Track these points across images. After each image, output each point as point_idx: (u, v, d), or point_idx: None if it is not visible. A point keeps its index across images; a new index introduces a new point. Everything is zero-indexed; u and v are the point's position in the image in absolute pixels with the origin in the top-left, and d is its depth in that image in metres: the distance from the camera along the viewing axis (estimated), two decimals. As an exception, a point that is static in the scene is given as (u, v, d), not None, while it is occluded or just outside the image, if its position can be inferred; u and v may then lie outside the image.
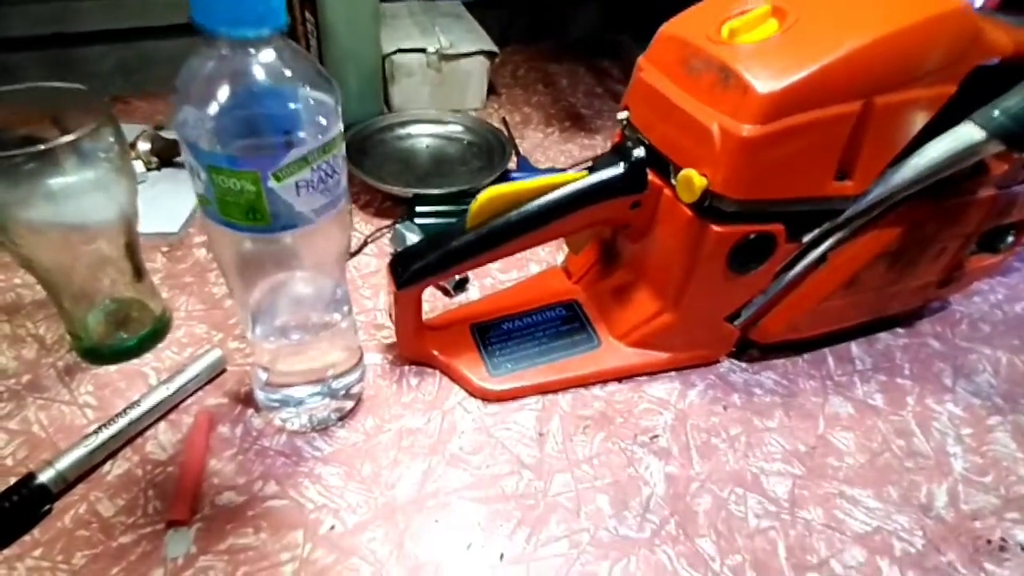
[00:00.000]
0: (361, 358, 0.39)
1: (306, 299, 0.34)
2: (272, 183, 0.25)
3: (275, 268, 0.31)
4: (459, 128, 0.66)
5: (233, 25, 0.23)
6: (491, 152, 0.62)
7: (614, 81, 0.86)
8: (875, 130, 0.32)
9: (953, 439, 0.40)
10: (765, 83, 0.30)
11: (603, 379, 0.41)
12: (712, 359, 0.43)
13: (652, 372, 0.42)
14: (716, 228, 0.34)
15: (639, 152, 0.36)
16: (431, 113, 0.67)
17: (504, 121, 0.73)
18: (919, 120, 0.33)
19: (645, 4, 0.95)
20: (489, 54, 0.72)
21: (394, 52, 0.68)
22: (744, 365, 0.44)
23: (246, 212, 0.25)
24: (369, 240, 0.53)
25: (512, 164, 0.63)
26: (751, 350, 0.44)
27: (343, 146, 0.28)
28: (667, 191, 0.36)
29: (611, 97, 0.82)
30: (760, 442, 0.39)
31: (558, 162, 0.67)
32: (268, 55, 0.24)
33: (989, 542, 0.34)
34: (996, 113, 0.31)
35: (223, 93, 0.24)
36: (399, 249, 0.50)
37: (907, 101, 0.32)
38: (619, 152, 0.37)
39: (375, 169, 0.59)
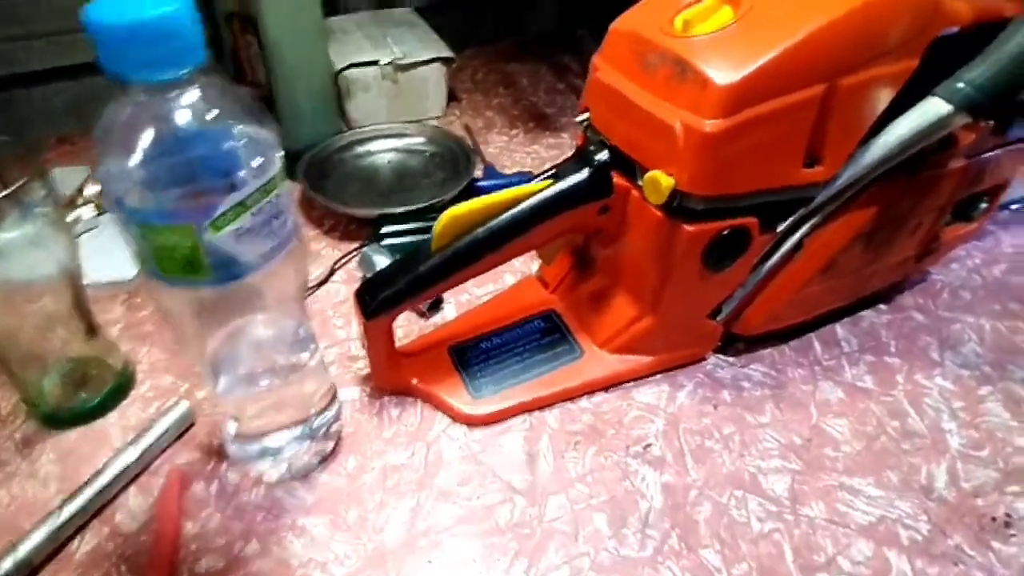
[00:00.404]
0: (335, 395, 0.37)
1: (268, 342, 0.32)
2: (209, 235, 0.23)
3: (230, 315, 0.29)
4: (420, 140, 0.64)
5: (148, 70, 0.21)
6: (456, 162, 0.61)
7: (575, 77, 0.85)
8: (841, 112, 0.31)
9: (947, 415, 0.39)
10: (724, 74, 0.29)
11: (590, 390, 0.39)
12: (698, 357, 0.42)
13: (638, 377, 0.40)
14: (688, 227, 0.33)
15: (602, 156, 0.35)
16: (390, 127, 0.65)
17: (467, 128, 0.72)
18: (884, 98, 0.32)
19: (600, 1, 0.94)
20: (446, 60, 0.71)
21: (346, 67, 0.66)
22: (731, 359, 0.43)
23: (184, 267, 0.23)
24: (336, 267, 0.51)
25: (478, 172, 0.62)
26: (737, 343, 0.43)
27: (286, 183, 0.26)
28: (635, 193, 0.35)
29: (573, 93, 0.80)
30: (754, 439, 0.38)
31: (525, 165, 0.65)
32: (191, 95, 0.23)
33: (994, 519, 0.34)
34: (961, 85, 0.30)
35: (145, 142, 0.22)
36: (368, 274, 0.48)
37: (871, 80, 0.31)
38: (582, 157, 0.36)
39: (337, 191, 0.57)
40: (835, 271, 0.39)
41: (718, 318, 0.39)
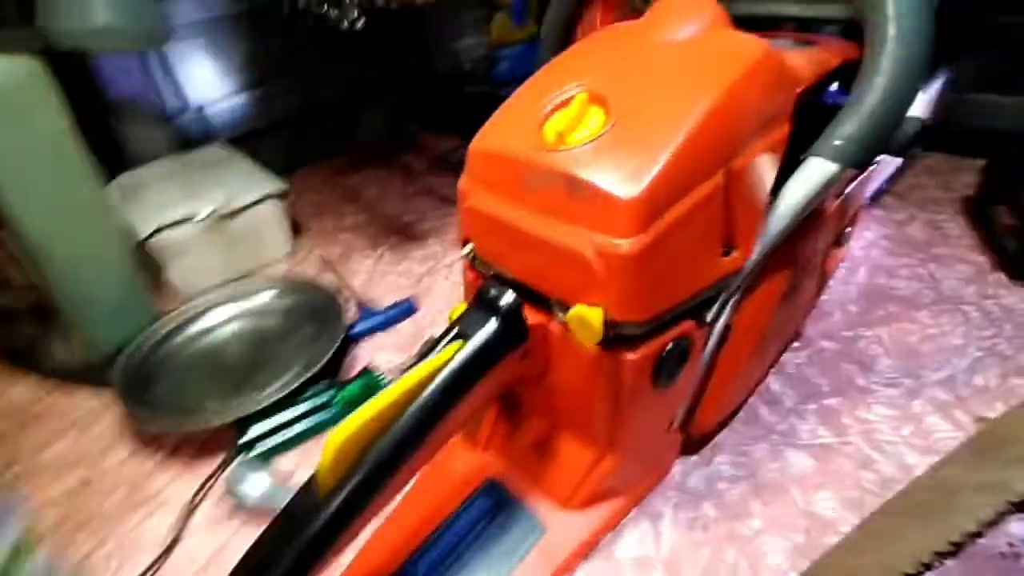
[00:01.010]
0: None
1: None
2: None
3: None
4: (270, 294, 0.55)
5: None
6: (320, 309, 0.52)
7: (423, 176, 0.81)
8: (741, 194, 0.29)
9: (905, 447, 0.38)
10: (625, 187, 0.25)
11: (570, 570, 0.32)
12: (666, 475, 0.37)
13: (614, 526, 0.34)
14: (630, 356, 0.28)
15: (507, 299, 0.29)
16: (228, 290, 0.55)
17: (324, 261, 0.63)
18: (773, 167, 0.30)
19: (428, 94, 0.92)
20: (280, 194, 0.62)
21: (153, 233, 0.55)
22: (693, 459, 0.38)
23: None
24: (194, 505, 0.38)
25: (352, 314, 0.53)
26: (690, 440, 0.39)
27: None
28: (554, 326, 0.30)
29: (427, 194, 0.76)
30: (758, 553, 0.33)
31: (401, 289, 0.58)
32: None
33: (1003, 556, 0.32)
34: (839, 143, 0.29)
35: None
36: (244, 501, 0.37)
37: (759, 154, 0.29)
38: (484, 304, 0.30)
39: (172, 397, 0.45)
40: (765, 338, 0.37)
41: (672, 427, 0.35)
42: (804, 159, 0.31)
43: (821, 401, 0.42)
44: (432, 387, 0.27)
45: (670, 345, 0.29)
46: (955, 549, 0.27)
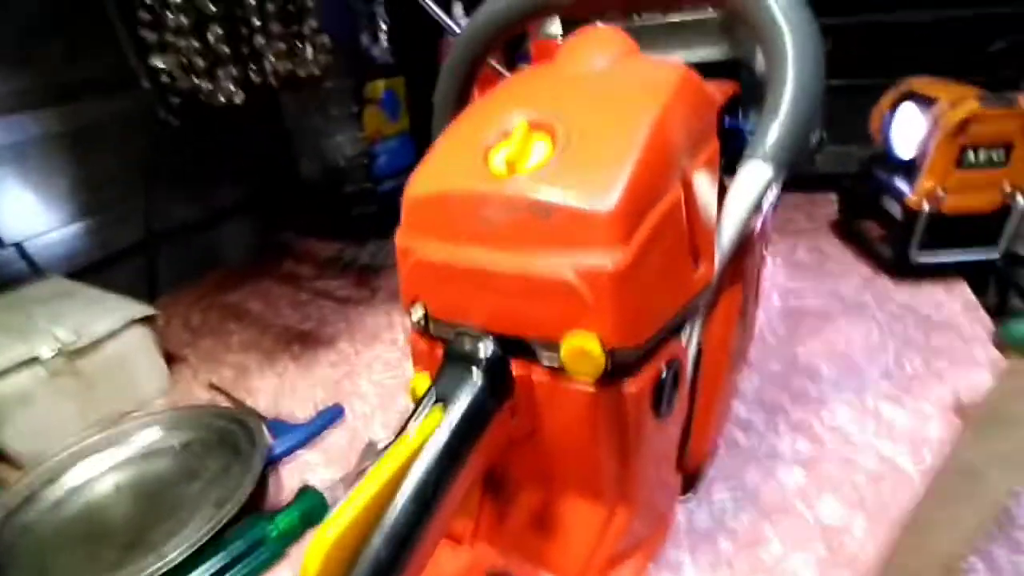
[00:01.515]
0: None
1: None
2: None
3: None
4: (155, 432, 0.45)
5: None
6: (225, 438, 0.43)
7: (313, 280, 0.75)
8: (695, 205, 0.29)
9: (875, 440, 0.38)
10: (599, 201, 0.24)
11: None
12: (672, 522, 0.33)
13: (639, 594, 0.30)
14: (630, 388, 0.26)
15: (488, 347, 0.26)
16: (99, 437, 0.44)
17: (214, 387, 0.54)
18: (714, 183, 0.31)
19: (300, 199, 0.88)
20: (145, 319, 0.53)
21: (-13, 385, 0.44)
22: (690, 496, 0.36)
23: None
24: None
25: (266, 439, 0.45)
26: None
27: None
28: (536, 373, 0.27)
29: (322, 298, 0.70)
30: (787, 572, 0.30)
31: (317, 400, 0.51)
32: None
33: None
34: (767, 147, 0.31)
35: None
36: None
37: (703, 165, 0.30)
38: (461, 359, 0.26)
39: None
40: (732, 359, 0.37)
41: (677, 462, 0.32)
42: (739, 167, 0.32)
43: (788, 417, 0.42)
44: (423, 464, 0.22)
45: (664, 370, 0.27)
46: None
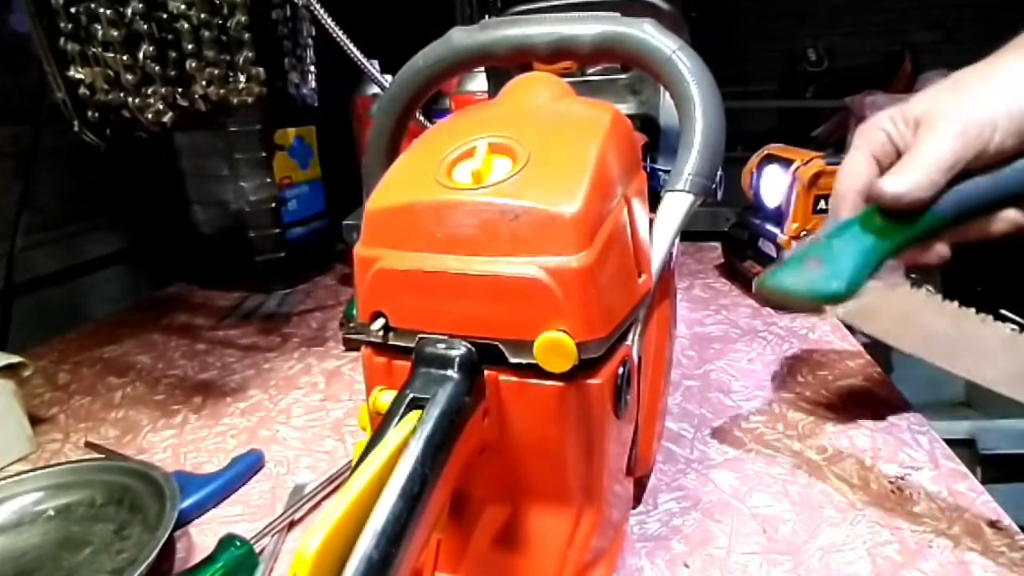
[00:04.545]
0: None
1: None
2: None
3: None
4: (26, 501, 0.38)
5: None
6: (117, 497, 0.38)
7: (214, 330, 0.69)
8: (634, 222, 0.32)
9: (785, 439, 0.43)
10: (566, 206, 0.26)
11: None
12: (626, 532, 0.34)
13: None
14: (594, 381, 0.27)
15: (461, 347, 0.26)
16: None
17: (92, 447, 0.47)
18: (645, 210, 0.35)
19: (193, 246, 0.82)
20: (6, 368, 0.46)
21: None
22: (642, 508, 0.37)
23: None
24: None
25: (175, 488, 0.40)
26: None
27: None
28: (504, 378, 0.27)
29: (225, 347, 0.65)
30: (738, 563, 0.32)
31: (229, 449, 0.46)
32: None
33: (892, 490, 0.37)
34: (689, 176, 0.35)
35: None
36: None
37: (636, 192, 0.33)
38: (433, 361, 0.26)
39: None
40: (666, 371, 0.39)
41: (630, 465, 0.33)
42: (662, 196, 0.36)
43: (711, 426, 0.45)
44: (409, 460, 0.21)
45: (621, 367, 0.29)
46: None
